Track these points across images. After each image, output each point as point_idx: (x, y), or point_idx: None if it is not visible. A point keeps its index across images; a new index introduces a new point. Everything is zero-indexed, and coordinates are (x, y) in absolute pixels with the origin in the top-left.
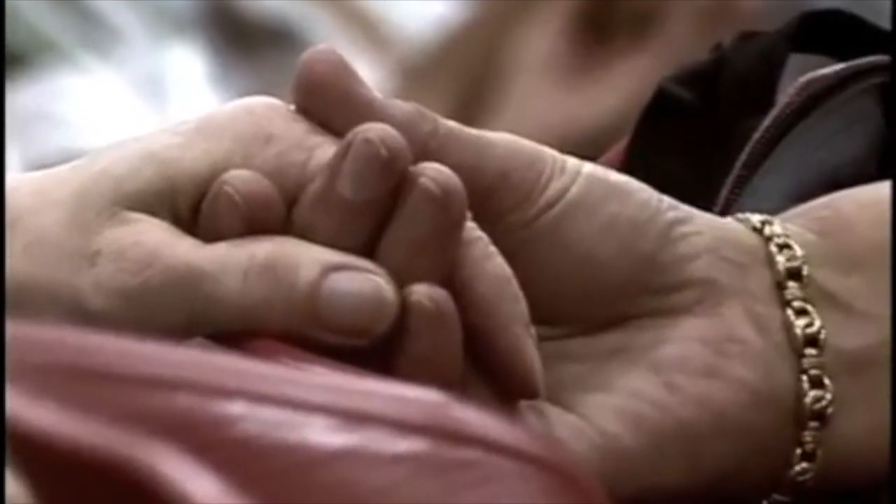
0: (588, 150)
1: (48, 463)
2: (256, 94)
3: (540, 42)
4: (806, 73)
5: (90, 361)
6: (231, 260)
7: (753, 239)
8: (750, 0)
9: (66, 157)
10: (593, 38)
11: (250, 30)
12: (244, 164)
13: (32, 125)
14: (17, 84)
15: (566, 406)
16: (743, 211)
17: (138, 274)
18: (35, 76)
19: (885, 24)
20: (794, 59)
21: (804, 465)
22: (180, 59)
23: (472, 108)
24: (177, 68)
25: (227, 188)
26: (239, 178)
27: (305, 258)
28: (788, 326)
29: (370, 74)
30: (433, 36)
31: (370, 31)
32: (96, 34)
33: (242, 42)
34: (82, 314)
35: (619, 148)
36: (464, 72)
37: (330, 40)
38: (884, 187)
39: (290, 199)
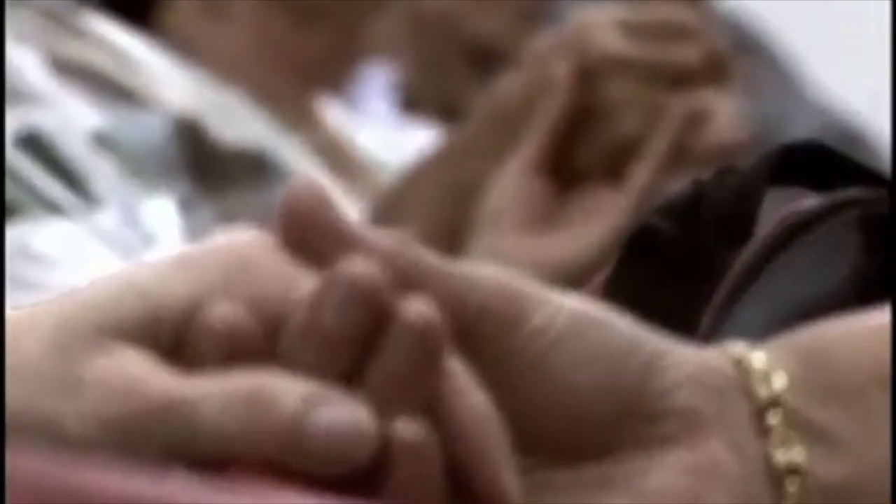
0: (565, 285)
1: None
2: (235, 227)
3: (512, 180)
4: (784, 203)
5: (68, 486)
6: (211, 393)
7: (734, 369)
8: (723, 137)
9: (46, 295)
10: (567, 176)
11: (226, 164)
12: (225, 296)
13: (11, 265)
14: None
15: None
16: (724, 341)
17: (119, 405)
18: (13, 221)
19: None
20: (773, 189)
21: None
22: (157, 206)
23: (445, 241)
24: (154, 216)
25: (208, 319)
26: (220, 309)
27: (286, 391)
28: (769, 456)
29: (347, 207)
30: (407, 169)
31: (346, 164)
32: (72, 183)
33: (219, 177)
34: (63, 441)
35: (598, 281)
36: (437, 205)
37: (307, 173)
38: (866, 318)
39: (272, 331)
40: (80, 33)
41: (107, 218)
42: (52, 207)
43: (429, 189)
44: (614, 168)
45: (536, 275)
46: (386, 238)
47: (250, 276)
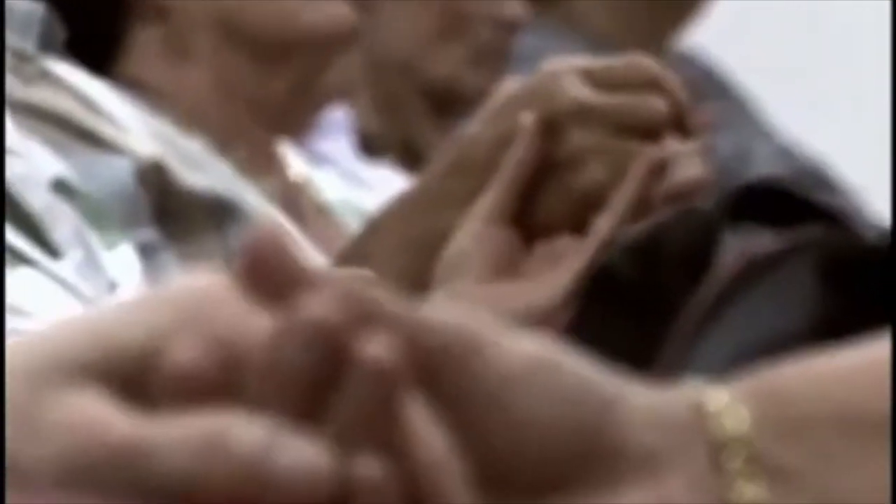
0: (525, 329)
1: None
2: (196, 271)
3: (475, 228)
4: (743, 241)
5: None
6: (170, 435)
7: (693, 408)
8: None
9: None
10: (531, 225)
11: (188, 209)
12: (183, 337)
13: None
14: None
15: None
16: (683, 378)
17: (79, 448)
18: None
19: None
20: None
21: None
22: (120, 253)
23: (411, 291)
24: (116, 263)
25: (166, 360)
26: (177, 350)
27: (244, 433)
28: (727, 494)
29: (308, 251)
30: (371, 219)
31: (307, 208)
32: (33, 232)
33: (181, 222)
34: (21, 481)
35: (559, 324)
36: (402, 256)
37: (268, 217)
38: (826, 359)
39: (232, 371)
40: (42, 77)
41: (69, 266)
42: (14, 256)
43: (393, 239)
44: (578, 218)
45: (496, 318)
46: (345, 279)
47: (209, 318)
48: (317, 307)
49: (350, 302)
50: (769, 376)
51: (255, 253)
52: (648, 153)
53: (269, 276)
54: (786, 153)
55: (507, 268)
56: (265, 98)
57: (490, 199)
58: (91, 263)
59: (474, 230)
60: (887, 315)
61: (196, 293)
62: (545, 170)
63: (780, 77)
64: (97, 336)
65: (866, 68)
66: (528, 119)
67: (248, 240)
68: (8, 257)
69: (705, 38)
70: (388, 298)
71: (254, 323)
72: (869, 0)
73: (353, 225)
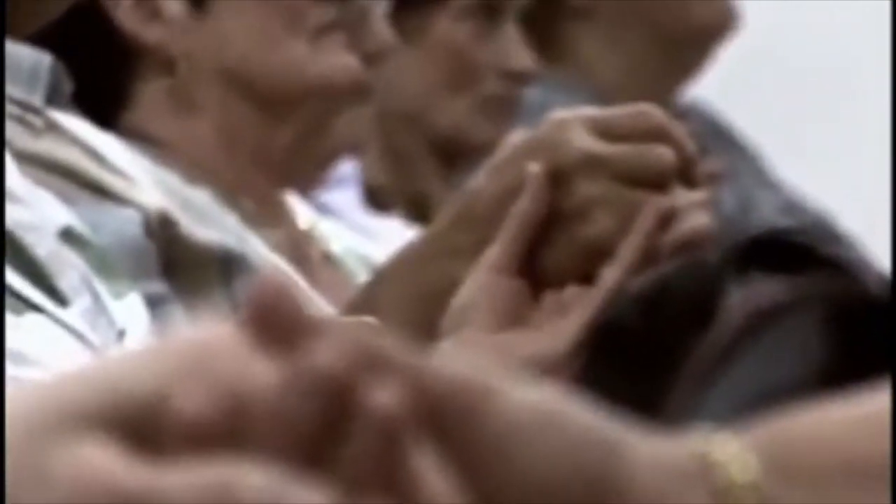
0: (531, 378)
1: None
2: (202, 321)
3: (481, 279)
4: (748, 289)
5: None
6: (176, 484)
7: (699, 455)
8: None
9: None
10: (538, 275)
11: (195, 260)
12: (190, 384)
13: None
14: None
15: None
16: (689, 426)
17: (86, 497)
18: None
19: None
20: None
21: None
22: (127, 303)
23: (417, 337)
24: (123, 313)
25: (171, 408)
26: (183, 397)
27: (250, 481)
28: None
29: (315, 301)
30: (379, 270)
31: (314, 259)
32: (41, 281)
33: (188, 272)
34: None
35: (567, 372)
36: (410, 307)
37: (275, 268)
38: (830, 409)
39: (238, 418)
40: (50, 129)
41: (76, 313)
42: (21, 302)
43: (401, 290)
44: (585, 268)
45: (503, 367)
46: (351, 327)
47: (214, 366)
48: (323, 354)
49: (356, 349)
50: (776, 425)
51: (261, 301)
52: (656, 203)
53: (275, 324)
54: (791, 205)
55: (514, 318)
56: (271, 150)
57: (497, 250)
58: (98, 310)
59: (482, 280)
60: (888, 363)
61: (201, 342)
62: (552, 220)
63: (781, 128)
64: (103, 384)
65: (868, 120)
66: (535, 169)
67: (253, 288)
68: (15, 304)
69: (709, 90)
70: (394, 346)
71: (259, 371)
72: (869, 49)
73: (359, 275)
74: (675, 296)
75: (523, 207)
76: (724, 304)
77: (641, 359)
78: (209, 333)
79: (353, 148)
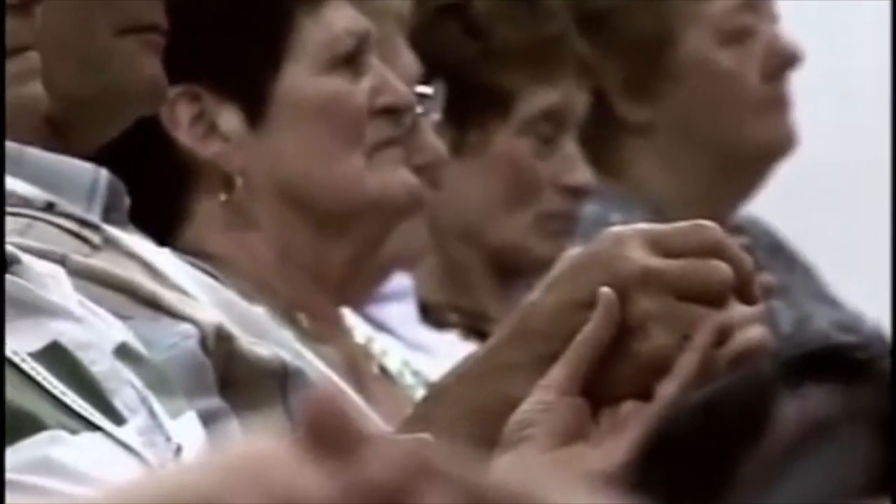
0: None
1: None
2: (256, 436)
3: (543, 397)
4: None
5: None
6: None
7: None
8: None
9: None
10: (598, 391)
11: (251, 375)
12: (246, 494)
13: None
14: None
15: None
16: None
17: None
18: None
19: None
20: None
21: None
22: (184, 420)
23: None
24: (180, 429)
25: None
26: None
27: None
28: None
29: (370, 416)
30: (435, 386)
31: (369, 375)
32: (96, 397)
33: (244, 388)
34: None
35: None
36: (465, 423)
37: (329, 383)
38: None
39: None
40: (107, 245)
41: (131, 431)
42: (78, 421)
43: (457, 406)
44: (643, 384)
45: (559, 482)
46: (405, 441)
47: (268, 478)
48: (377, 466)
49: (410, 461)
50: None
51: (315, 414)
52: (713, 319)
53: (329, 437)
54: (846, 320)
55: (572, 436)
56: (328, 266)
57: (562, 372)
58: (154, 427)
59: (544, 400)
60: None
61: (257, 454)
62: (613, 336)
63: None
64: (161, 493)
65: None
66: (607, 291)
67: (308, 402)
68: (71, 422)
69: (765, 206)
70: (448, 459)
71: (313, 482)
72: None
73: (415, 391)
74: (731, 406)
75: (593, 329)
76: (779, 416)
77: (696, 469)
78: (263, 447)
79: (407, 263)
